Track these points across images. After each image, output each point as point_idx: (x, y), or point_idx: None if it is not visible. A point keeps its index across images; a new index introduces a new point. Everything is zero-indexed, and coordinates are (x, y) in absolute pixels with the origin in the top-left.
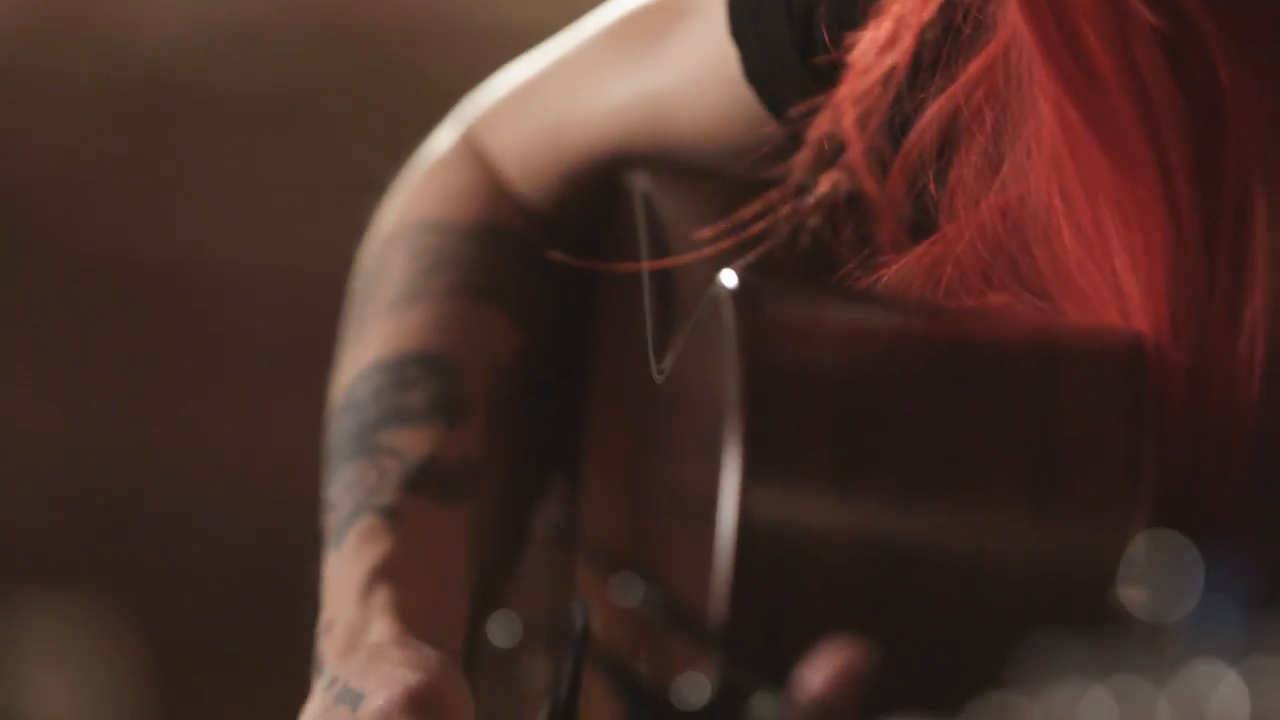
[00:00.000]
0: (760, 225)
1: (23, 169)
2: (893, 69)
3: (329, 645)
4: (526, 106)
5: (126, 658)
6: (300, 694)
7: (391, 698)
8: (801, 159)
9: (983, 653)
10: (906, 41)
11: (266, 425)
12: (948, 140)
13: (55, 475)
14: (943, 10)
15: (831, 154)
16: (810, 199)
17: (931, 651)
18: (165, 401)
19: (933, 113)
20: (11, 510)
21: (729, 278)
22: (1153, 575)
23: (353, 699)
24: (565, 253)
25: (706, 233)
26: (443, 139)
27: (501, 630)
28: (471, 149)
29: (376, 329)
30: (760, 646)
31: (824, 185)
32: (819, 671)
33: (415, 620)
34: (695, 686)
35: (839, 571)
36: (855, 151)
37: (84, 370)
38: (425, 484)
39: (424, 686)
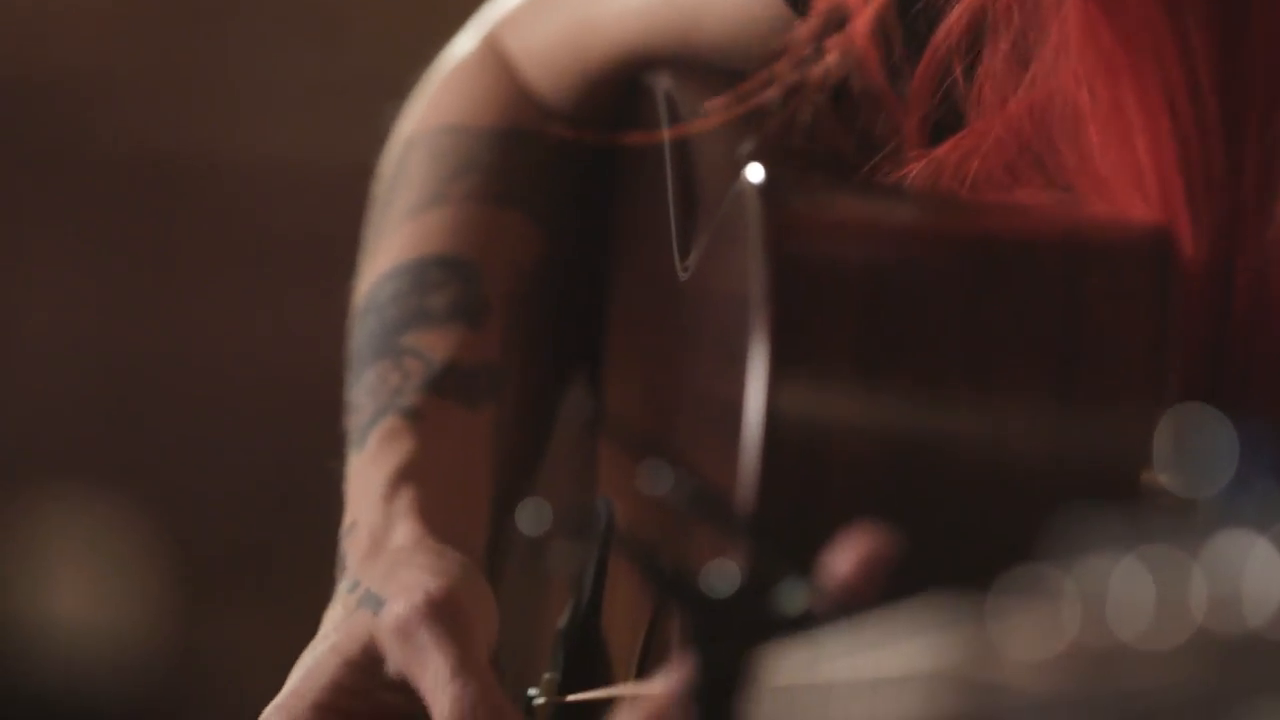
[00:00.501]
0: (766, 94)
1: (44, 68)
2: None
3: (352, 547)
4: (548, 9)
5: (148, 555)
6: (322, 591)
7: (413, 604)
8: (808, 28)
9: (1007, 542)
10: None
11: (288, 325)
12: (975, 39)
13: (78, 372)
14: None
15: (838, 23)
16: (816, 69)
17: (956, 541)
18: (188, 299)
19: (960, 10)
20: (33, 407)
21: (755, 173)
22: (1185, 451)
23: (374, 603)
24: (587, 156)
25: (714, 103)
26: (464, 43)
27: (530, 518)
28: (493, 52)
29: (398, 233)
30: (787, 536)
31: (830, 54)
32: (844, 557)
33: (438, 522)
34: (723, 574)
35: (865, 463)
36: (861, 21)
37: (106, 268)
38: (448, 386)
39: (444, 593)
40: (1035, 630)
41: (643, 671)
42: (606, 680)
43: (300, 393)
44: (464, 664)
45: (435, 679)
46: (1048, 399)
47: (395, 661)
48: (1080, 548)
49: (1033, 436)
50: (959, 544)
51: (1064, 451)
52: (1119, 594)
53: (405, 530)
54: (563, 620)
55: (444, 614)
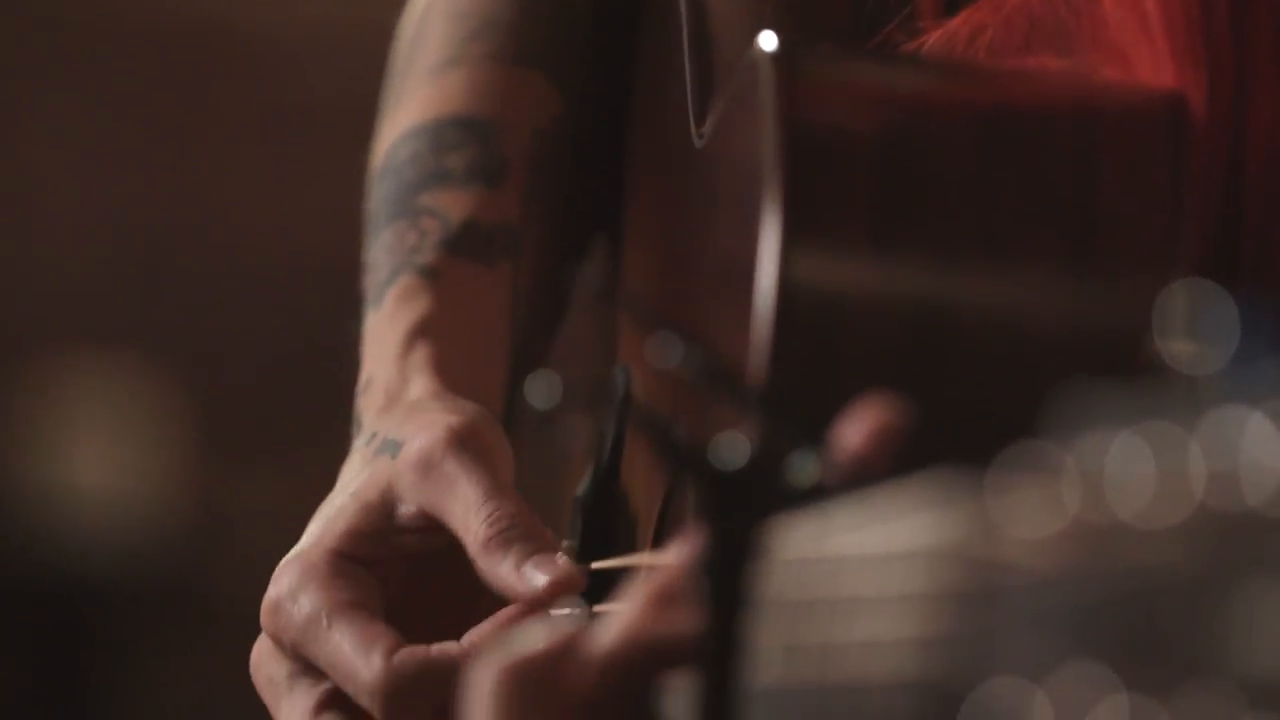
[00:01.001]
0: None
1: None
2: None
3: (367, 403)
4: None
5: (169, 420)
6: (343, 453)
7: (434, 437)
8: None
9: (1020, 415)
10: None
11: (310, 191)
12: None
13: (101, 240)
14: None
15: None
16: None
17: (969, 411)
18: (210, 166)
19: None
20: (56, 275)
21: (768, 40)
22: (1188, 324)
23: (393, 448)
24: (608, 20)
25: None
26: None
27: (540, 391)
28: None
29: (416, 94)
30: (798, 407)
31: None
32: (856, 428)
33: (454, 377)
34: (734, 446)
35: (877, 332)
36: None
37: (129, 135)
38: (465, 245)
39: (466, 425)
40: (1035, 507)
41: (660, 541)
42: (625, 549)
43: (321, 257)
44: (490, 487)
45: (466, 505)
46: (1060, 269)
47: (418, 498)
48: (1080, 423)
49: (1045, 307)
50: (970, 416)
51: (1077, 322)
52: (1118, 471)
53: (421, 384)
54: (581, 488)
55: (468, 443)
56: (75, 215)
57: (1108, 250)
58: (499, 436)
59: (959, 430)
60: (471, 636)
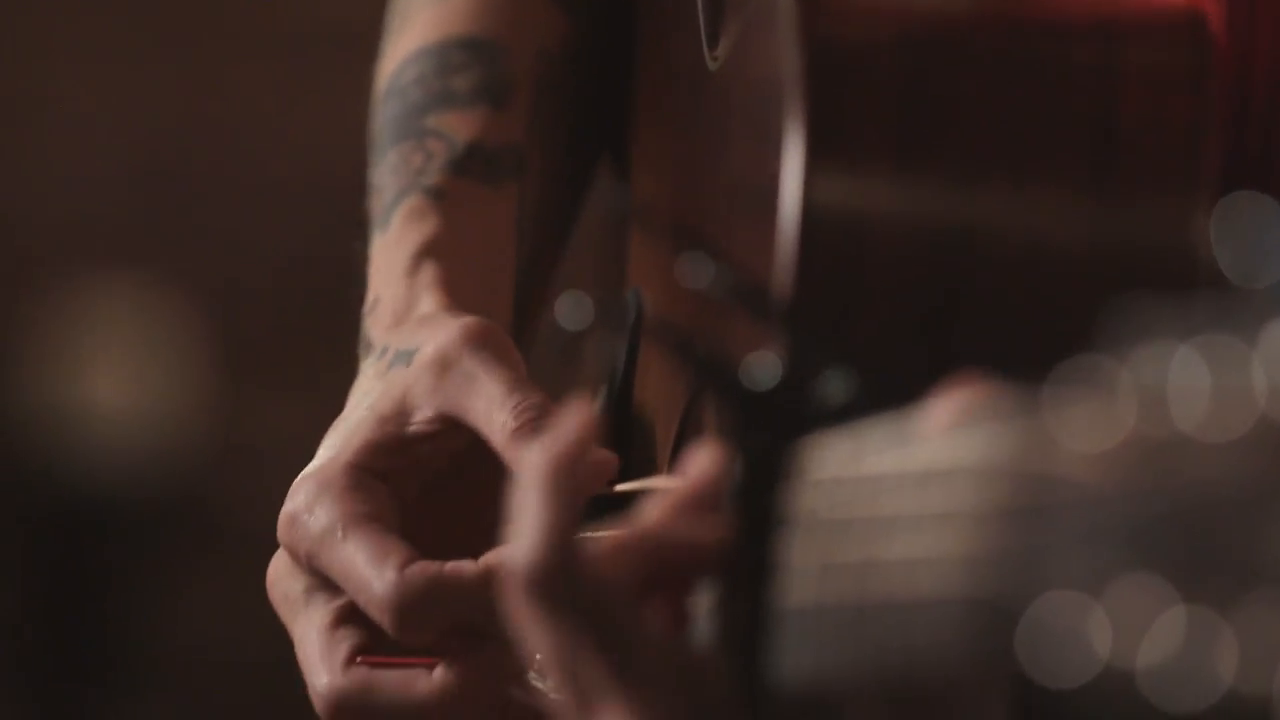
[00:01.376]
0: None
1: None
2: None
3: (375, 322)
4: None
5: (189, 341)
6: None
7: (450, 337)
8: None
9: (1045, 333)
10: None
11: (329, 110)
12: None
13: (119, 160)
14: None
15: None
16: None
17: (994, 332)
18: (228, 86)
19: None
20: (74, 195)
21: None
22: (1238, 237)
23: (407, 357)
24: None
25: None
26: None
27: (571, 311)
28: None
29: (422, 15)
30: (825, 328)
31: None
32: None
33: (462, 295)
34: (764, 366)
35: (902, 251)
36: None
37: (146, 53)
38: (471, 166)
39: (481, 324)
40: (1091, 422)
41: (676, 463)
42: (640, 473)
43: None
44: (516, 380)
45: (489, 400)
46: (1082, 186)
47: (436, 399)
48: (1135, 338)
49: (1068, 225)
50: (996, 335)
51: (1101, 240)
52: (1177, 384)
53: (429, 301)
54: (598, 398)
55: (485, 340)
56: (91, 136)
57: (1129, 165)
58: (512, 345)
59: (985, 352)
60: (489, 558)
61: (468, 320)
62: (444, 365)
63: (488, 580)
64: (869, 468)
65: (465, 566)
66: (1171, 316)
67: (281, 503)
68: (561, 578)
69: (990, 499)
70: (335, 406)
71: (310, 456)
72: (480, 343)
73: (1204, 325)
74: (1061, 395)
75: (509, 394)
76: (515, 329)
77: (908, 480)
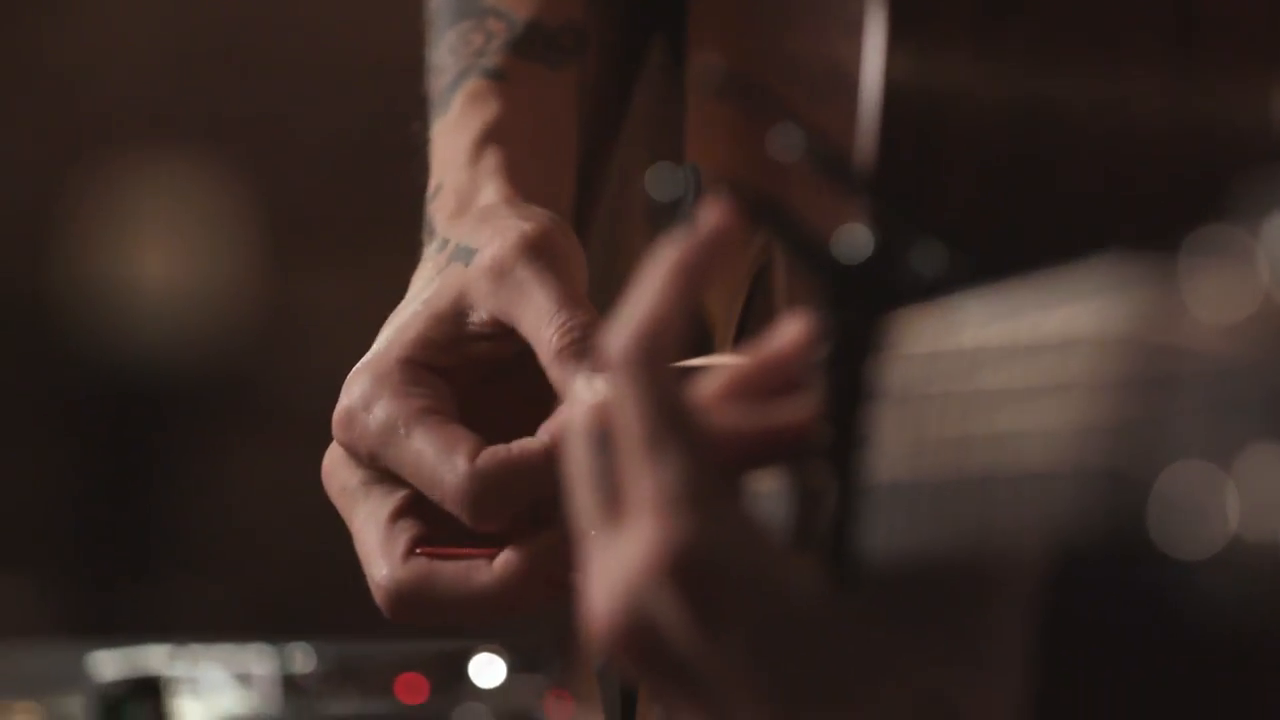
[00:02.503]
0: None
1: None
2: None
3: (438, 209)
4: None
5: (240, 216)
6: (412, 249)
7: (507, 243)
8: None
9: (1130, 206)
10: None
11: None
12: None
13: (168, 34)
14: None
15: None
16: None
17: (1076, 206)
18: None
19: None
20: (124, 69)
21: None
22: None
23: (466, 255)
24: None
25: None
26: None
27: (662, 183)
28: None
29: None
30: (912, 202)
31: None
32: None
33: (525, 181)
34: (856, 238)
35: (983, 126)
36: None
37: None
38: (531, 47)
39: (539, 232)
40: (1219, 293)
41: (740, 341)
42: (700, 354)
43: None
44: (565, 296)
45: (538, 314)
46: (1166, 58)
47: (491, 304)
48: (1264, 210)
49: (1151, 97)
50: (1079, 209)
51: (1181, 115)
52: None
53: (492, 190)
54: None
55: (540, 250)
56: (145, 10)
57: (1211, 39)
58: (572, 243)
59: (1069, 225)
60: (550, 427)
61: (526, 227)
62: (500, 272)
63: (555, 452)
64: (968, 341)
65: (532, 444)
66: None
67: (330, 378)
68: (656, 353)
69: (1113, 369)
70: (383, 287)
71: (358, 336)
72: (536, 252)
73: None
74: (1185, 266)
75: (558, 310)
76: (577, 212)
77: (1015, 353)
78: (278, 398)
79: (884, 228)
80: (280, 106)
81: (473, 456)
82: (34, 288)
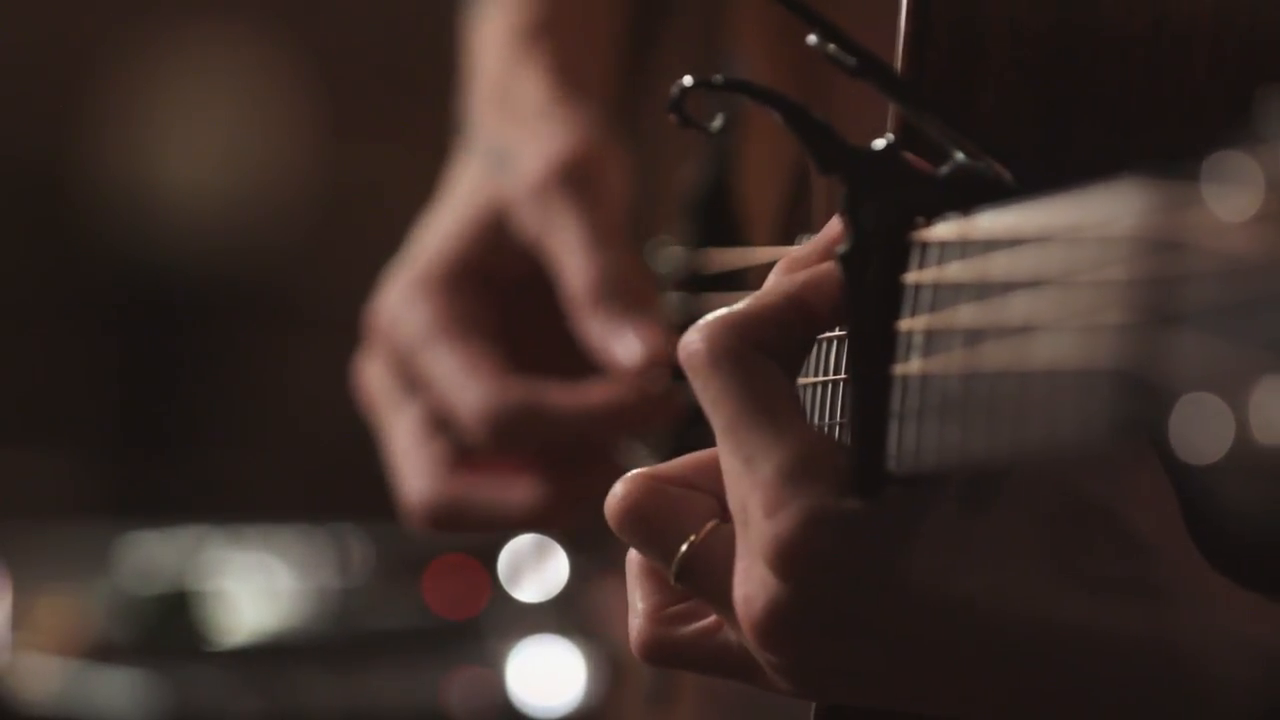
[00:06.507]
0: None
1: None
2: None
3: (480, 100)
4: None
5: (294, 92)
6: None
7: (547, 165)
8: None
9: (1168, 114)
10: None
11: None
12: None
13: None
14: None
15: None
16: None
17: (1114, 111)
18: None
19: None
20: None
21: None
22: None
23: (505, 159)
24: None
25: None
26: None
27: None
28: None
29: None
30: (948, 105)
31: None
32: None
33: (568, 73)
34: (886, 138)
35: (1022, 29)
36: None
37: None
38: None
39: (578, 153)
40: (1230, 195)
41: (783, 238)
42: (738, 244)
43: None
44: (597, 234)
45: (568, 249)
46: None
47: (526, 228)
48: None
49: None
50: (1117, 114)
51: (1225, 18)
52: None
53: (534, 80)
54: (688, 189)
55: (578, 176)
56: None
57: None
58: (613, 150)
59: (1106, 132)
60: (590, 393)
61: (567, 144)
62: (536, 199)
63: (582, 412)
64: (982, 231)
65: (561, 396)
66: None
67: (382, 254)
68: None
69: (1137, 267)
70: (434, 156)
71: (409, 207)
72: (572, 179)
73: None
74: (1207, 168)
75: (587, 248)
76: (619, 101)
77: (1037, 249)
78: (325, 280)
79: (919, 124)
80: None
81: (496, 377)
82: (75, 165)
